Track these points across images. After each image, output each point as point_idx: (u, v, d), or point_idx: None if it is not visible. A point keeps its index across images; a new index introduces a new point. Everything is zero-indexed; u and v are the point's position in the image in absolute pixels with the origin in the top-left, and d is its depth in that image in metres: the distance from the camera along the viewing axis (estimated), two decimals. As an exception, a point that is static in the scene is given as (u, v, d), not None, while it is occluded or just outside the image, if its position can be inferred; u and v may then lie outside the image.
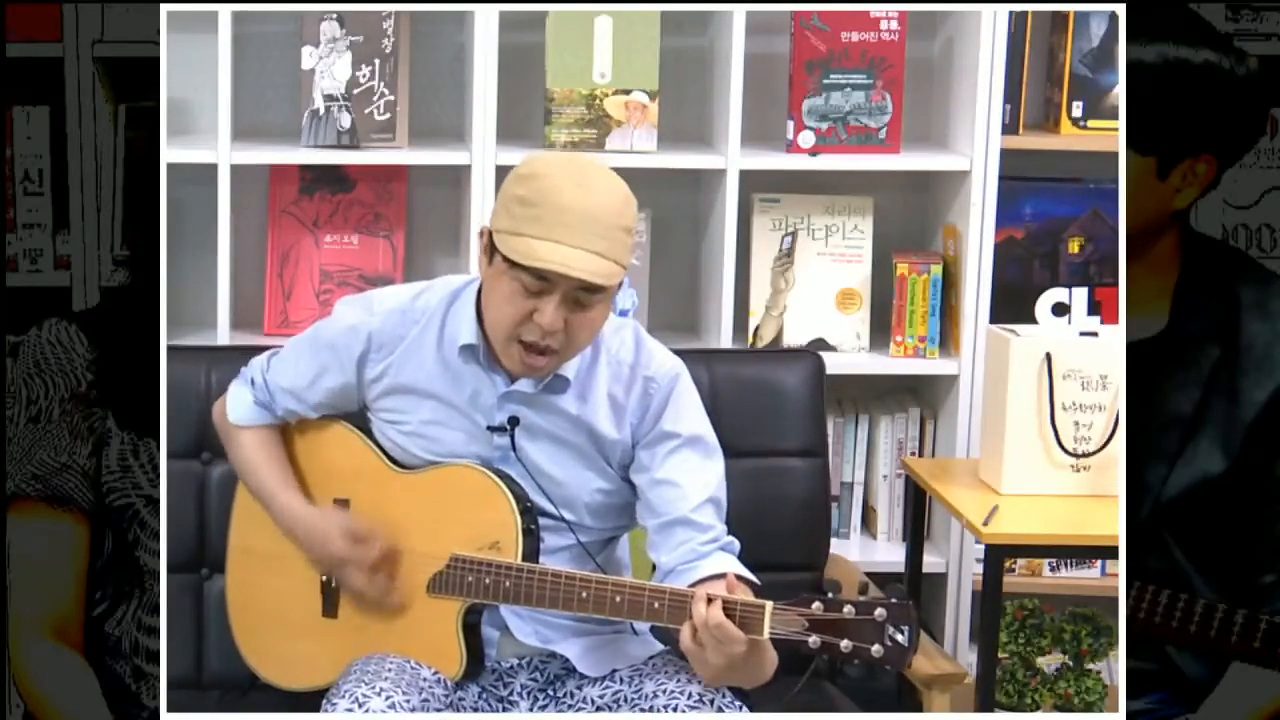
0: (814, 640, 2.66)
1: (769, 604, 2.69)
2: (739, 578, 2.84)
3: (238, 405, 3.08)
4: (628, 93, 3.88)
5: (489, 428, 2.94)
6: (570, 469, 2.95)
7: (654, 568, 2.95)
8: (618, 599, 2.80)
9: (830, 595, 2.67)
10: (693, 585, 2.83)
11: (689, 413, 2.97)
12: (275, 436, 3.08)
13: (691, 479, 2.93)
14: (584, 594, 2.82)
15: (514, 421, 2.92)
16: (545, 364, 2.85)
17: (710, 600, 2.71)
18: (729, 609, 2.70)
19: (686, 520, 2.90)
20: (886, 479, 4.08)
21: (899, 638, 2.63)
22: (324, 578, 3.03)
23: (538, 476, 2.94)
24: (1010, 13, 3.91)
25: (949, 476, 3.62)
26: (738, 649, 2.70)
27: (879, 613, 2.64)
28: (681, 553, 2.90)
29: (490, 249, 2.81)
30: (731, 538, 2.94)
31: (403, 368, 2.97)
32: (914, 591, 3.76)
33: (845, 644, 2.65)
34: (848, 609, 2.65)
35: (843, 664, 2.67)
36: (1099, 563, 4.10)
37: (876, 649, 2.64)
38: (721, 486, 2.97)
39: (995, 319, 3.87)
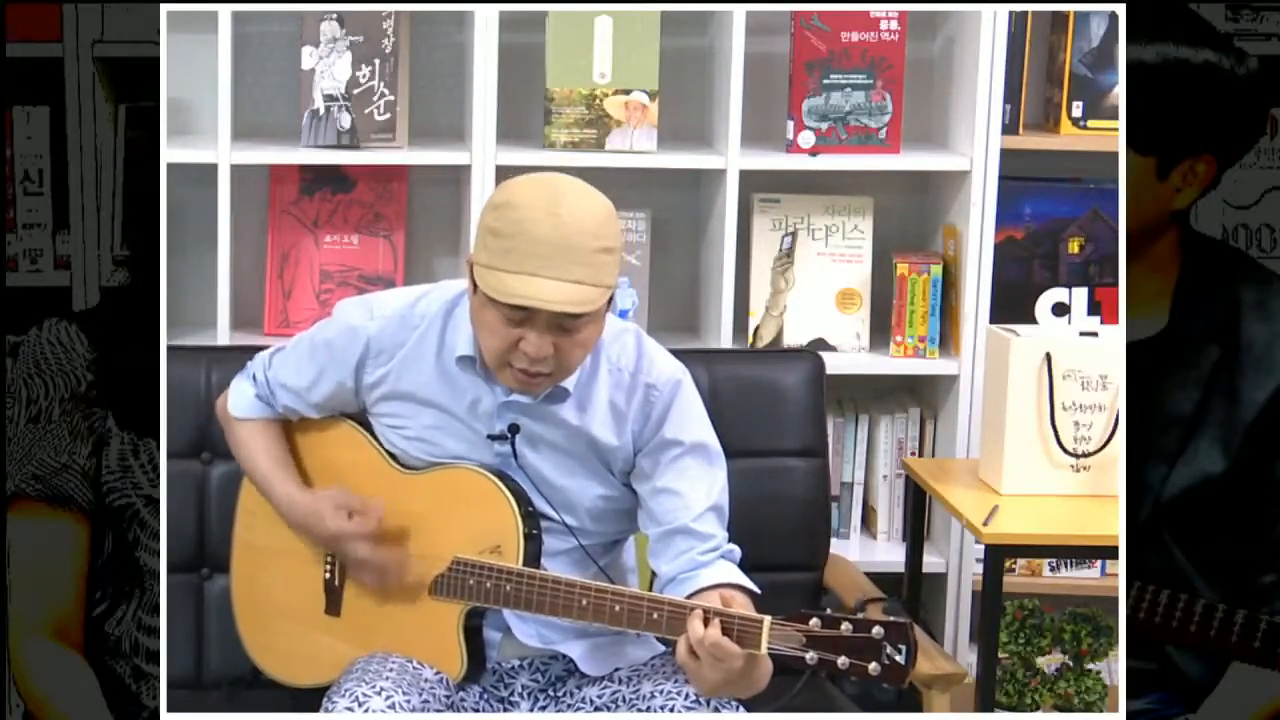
0: (811, 656, 2.65)
1: (767, 619, 2.68)
2: (739, 587, 2.84)
3: (239, 399, 3.09)
4: (628, 93, 3.88)
5: (489, 436, 2.93)
6: (571, 476, 2.95)
7: (654, 575, 2.95)
8: (617, 608, 2.79)
9: (828, 612, 2.67)
10: (692, 594, 2.83)
11: (691, 420, 2.96)
12: (276, 428, 3.08)
13: (693, 487, 2.92)
14: (583, 601, 2.81)
15: (514, 429, 2.92)
16: (540, 384, 2.84)
17: (708, 620, 2.70)
18: (726, 624, 2.70)
19: (688, 530, 2.90)
20: (886, 479, 4.08)
21: (896, 657, 2.62)
22: (327, 575, 3.03)
23: (539, 483, 2.93)
24: (1010, 13, 3.91)
25: (949, 476, 3.62)
26: (735, 664, 2.70)
27: (876, 631, 2.63)
28: (682, 562, 2.89)
29: (474, 279, 2.81)
30: (733, 546, 2.93)
31: (402, 375, 2.96)
32: (914, 591, 3.77)
33: (842, 661, 2.64)
34: (845, 626, 2.64)
35: (839, 680, 2.66)
36: (1099, 563, 4.10)
37: (874, 667, 2.63)
38: (724, 493, 2.96)
39: (995, 319, 3.87)
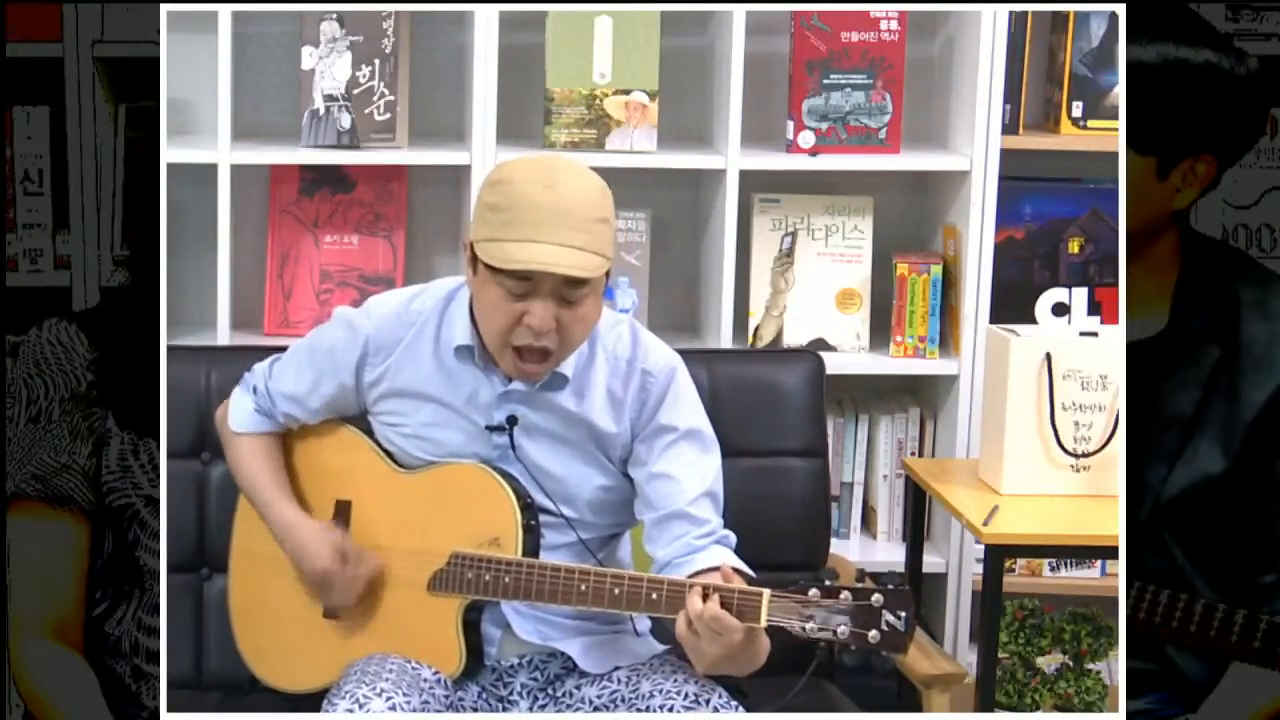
0: (811, 627, 2.67)
1: (766, 592, 2.71)
2: (734, 570, 2.85)
3: (239, 413, 3.09)
4: (628, 93, 3.88)
5: (488, 427, 2.94)
6: (570, 466, 2.96)
7: (651, 562, 2.96)
8: (616, 591, 2.81)
9: (827, 583, 2.68)
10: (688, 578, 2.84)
11: (686, 406, 2.98)
12: (275, 444, 3.09)
13: (689, 473, 2.94)
14: (583, 587, 2.83)
15: (512, 421, 2.93)
16: (541, 368, 2.86)
17: (706, 596, 2.71)
18: (726, 598, 2.72)
19: (683, 514, 2.92)
20: (886, 479, 4.08)
21: (896, 623, 2.64)
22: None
23: (538, 475, 2.94)
24: (1010, 13, 3.91)
25: (949, 476, 3.62)
26: (735, 638, 2.71)
27: (876, 598, 2.65)
28: (677, 546, 2.91)
29: (473, 259, 2.82)
30: (728, 531, 2.95)
31: (400, 371, 2.97)
32: (914, 592, 3.76)
33: (842, 630, 2.66)
34: (844, 595, 2.66)
35: (841, 651, 2.68)
36: (1099, 563, 4.10)
37: (873, 634, 2.65)
38: (719, 480, 2.98)
39: (995, 319, 3.87)
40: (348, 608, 2.99)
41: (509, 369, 2.88)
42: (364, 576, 2.96)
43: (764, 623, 2.70)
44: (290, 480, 3.08)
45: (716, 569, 2.84)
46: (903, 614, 2.65)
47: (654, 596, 2.79)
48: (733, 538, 2.95)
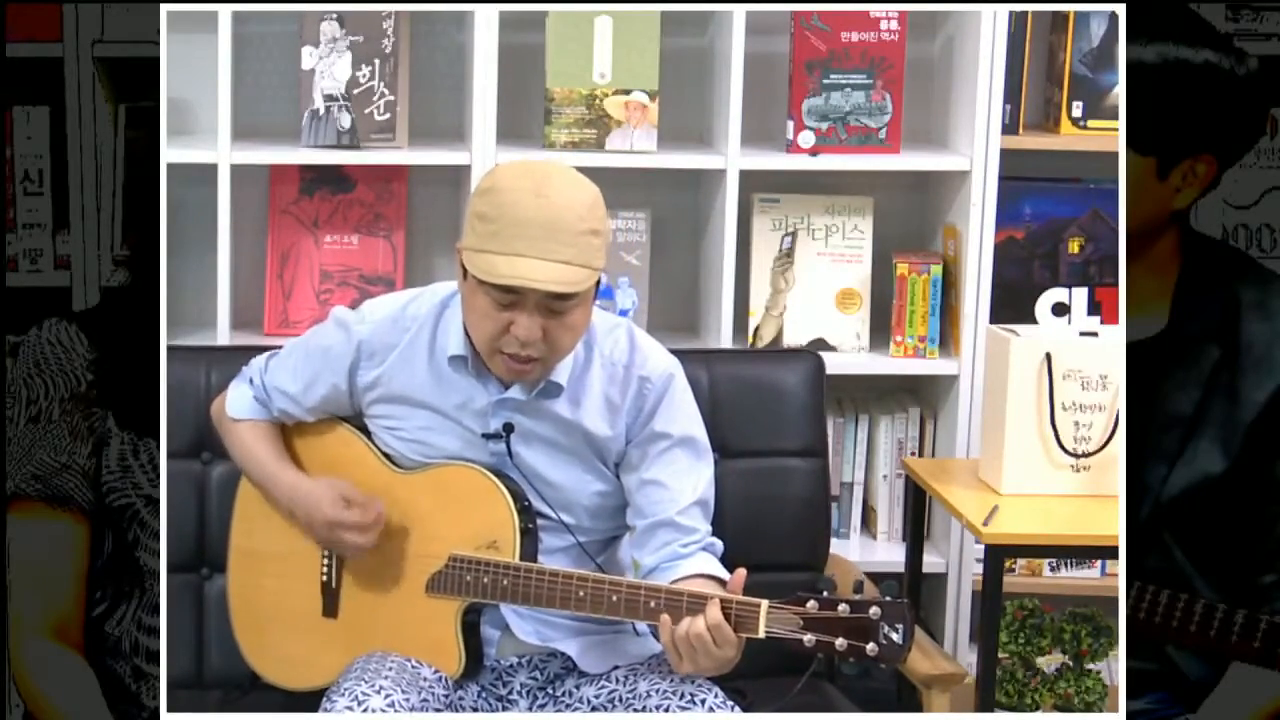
0: (809, 639, 2.68)
1: (764, 603, 2.71)
2: (715, 578, 2.85)
3: (237, 401, 3.09)
4: (628, 93, 3.88)
5: (484, 435, 2.94)
6: (567, 473, 2.95)
7: (638, 567, 2.96)
8: (614, 598, 2.81)
9: (825, 594, 2.68)
10: (673, 584, 2.84)
11: (682, 413, 2.97)
12: (273, 426, 3.08)
13: (680, 481, 2.94)
14: (581, 593, 2.82)
15: (509, 428, 2.92)
16: (532, 370, 2.85)
17: (726, 610, 2.71)
18: (724, 607, 2.71)
19: (672, 523, 2.92)
20: (886, 479, 4.08)
21: (894, 636, 2.65)
22: (324, 577, 3.03)
23: (535, 481, 2.94)
24: (1010, 13, 3.91)
25: (949, 476, 3.62)
26: (729, 652, 2.72)
27: (874, 611, 2.65)
28: (663, 553, 2.92)
29: (464, 265, 2.82)
30: (715, 539, 2.95)
31: (395, 377, 2.97)
32: (914, 591, 3.77)
33: (840, 643, 2.66)
34: (842, 607, 2.66)
35: (839, 661, 2.68)
36: (1099, 563, 4.11)
37: (871, 647, 2.65)
38: (710, 488, 2.98)
39: (995, 319, 3.87)
40: (363, 551, 2.95)
41: (501, 372, 2.87)
42: (371, 521, 2.93)
43: (762, 634, 2.70)
44: None
45: (700, 576, 2.85)
46: (900, 626, 2.65)
47: (652, 604, 2.79)
48: (719, 545, 2.95)
